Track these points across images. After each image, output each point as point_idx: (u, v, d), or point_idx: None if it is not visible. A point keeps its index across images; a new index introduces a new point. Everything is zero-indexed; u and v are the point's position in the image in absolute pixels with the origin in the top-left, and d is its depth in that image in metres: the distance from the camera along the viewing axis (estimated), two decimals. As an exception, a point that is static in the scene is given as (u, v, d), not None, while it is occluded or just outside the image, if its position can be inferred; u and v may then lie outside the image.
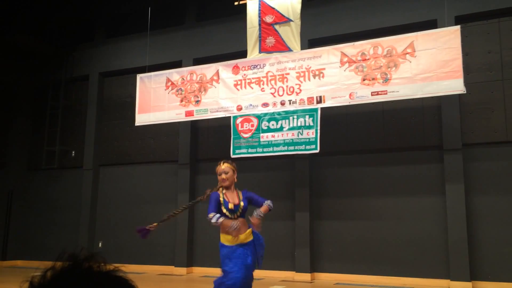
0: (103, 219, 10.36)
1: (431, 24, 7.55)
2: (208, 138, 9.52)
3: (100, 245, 10.26)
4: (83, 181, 10.53)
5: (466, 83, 6.88)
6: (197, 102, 8.47)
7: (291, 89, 7.76)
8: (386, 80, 7.06)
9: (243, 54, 8.28)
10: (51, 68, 11.40)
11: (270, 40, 7.93)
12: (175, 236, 9.31)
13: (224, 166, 4.54)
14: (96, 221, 10.42)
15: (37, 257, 10.55)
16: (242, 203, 4.41)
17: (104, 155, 10.67)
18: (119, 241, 10.02)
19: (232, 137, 8.06)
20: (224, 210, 4.34)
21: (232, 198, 4.42)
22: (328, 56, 7.55)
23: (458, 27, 6.86)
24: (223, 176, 4.49)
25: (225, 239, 4.33)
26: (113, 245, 10.08)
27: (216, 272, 4.97)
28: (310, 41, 8.51)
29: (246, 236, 4.32)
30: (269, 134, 7.81)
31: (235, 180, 4.54)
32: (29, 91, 11.81)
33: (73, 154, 11.01)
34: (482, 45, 7.57)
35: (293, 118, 7.66)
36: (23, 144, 11.57)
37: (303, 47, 7.95)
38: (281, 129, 7.73)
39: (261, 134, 7.86)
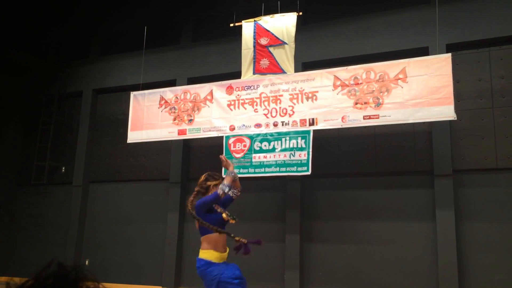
0: (91, 236, 10.22)
1: (422, 51, 7.67)
2: (200, 157, 9.50)
3: (86, 263, 10.10)
4: (72, 197, 10.41)
5: (457, 110, 6.97)
6: (190, 121, 8.48)
7: (284, 111, 7.80)
8: (378, 105, 7.13)
9: (237, 75, 8.34)
10: (45, 84, 11.38)
11: (264, 62, 8.01)
12: (163, 255, 9.20)
13: None
14: (84, 238, 10.27)
15: (22, 273, 10.35)
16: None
17: (94, 172, 10.59)
18: (106, 259, 9.87)
19: (224, 157, 8.04)
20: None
21: None
22: (321, 79, 7.63)
23: (449, 55, 6.97)
24: None
25: (214, 256, 4.17)
26: (100, 263, 9.92)
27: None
28: (303, 64, 8.60)
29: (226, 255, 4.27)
30: (261, 155, 7.81)
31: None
32: (21, 106, 11.76)
33: (63, 170, 10.91)
34: (473, 73, 7.69)
35: (286, 140, 7.68)
36: (13, 159, 11.47)
37: (296, 69, 8.03)
38: (273, 150, 7.74)
39: (253, 155, 7.86)
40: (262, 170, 7.77)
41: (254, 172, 7.81)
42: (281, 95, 7.84)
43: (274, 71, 7.94)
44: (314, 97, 7.60)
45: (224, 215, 4.27)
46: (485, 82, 7.59)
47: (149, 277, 9.38)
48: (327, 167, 8.27)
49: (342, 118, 7.33)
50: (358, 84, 7.33)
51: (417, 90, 6.93)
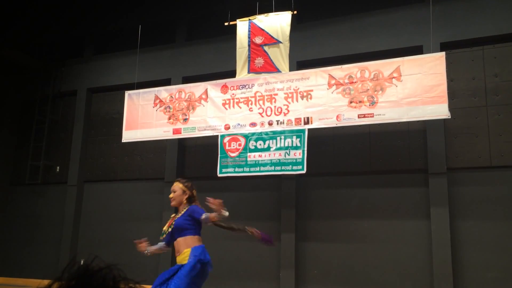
0: (86, 236, 10.18)
1: (417, 50, 7.70)
2: (195, 156, 9.49)
3: (81, 263, 10.06)
4: (67, 197, 10.37)
5: (451, 108, 6.99)
6: (185, 120, 8.47)
7: (279, 110, 7.80)
8: (372, 103, 7.14)
9: (232, 73, 8.34)
10: (39, 83, 11.33)
11: (259, 61, 8.01)
12: (158, 254, 9.16)
13: (174, 185, 4.38)
14: (79, 239, 10.24)
15: (17, 274, 10.32)
16: (173, 223, 4.24)
17: (89, 171, 10.55)
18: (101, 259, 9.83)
19: (219, 156, 8.05)
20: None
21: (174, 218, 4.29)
22: (316, 78, 7.64)
23: (443, 53, 7.00)
24: (170, 195, 4.35)
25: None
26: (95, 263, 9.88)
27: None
28: (298, 63, 8.61)
29: (183, 257, 4.17)
30: (256, 153, 7.81)
31: (184, 201, 4.35)
32: (15, 105, 11.70)
33: (57, 170, 10.87)
34: (467, 72, 7.72)
35: (281, 139, 7.69)
36: (7, 158, 11.40)
37: (291, 68, 8.04)
38: (268, 149, 7.74)
39: (248, 154, 7.86)
40: (257, 169, 7.77)
41: (249, 171, 7.82)
42: (276, 94, 7.85)
43: (269, 70, 7.94)
44: (309, 96, 7.61)
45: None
46: (478, 81, 7.62)
47: (144, 276, 9.35)
48: (322, 166, 8.28)
49: (337, 117, 7.35)
50: (352, 83, 7.34)
51: (411, 88, 6.95)
